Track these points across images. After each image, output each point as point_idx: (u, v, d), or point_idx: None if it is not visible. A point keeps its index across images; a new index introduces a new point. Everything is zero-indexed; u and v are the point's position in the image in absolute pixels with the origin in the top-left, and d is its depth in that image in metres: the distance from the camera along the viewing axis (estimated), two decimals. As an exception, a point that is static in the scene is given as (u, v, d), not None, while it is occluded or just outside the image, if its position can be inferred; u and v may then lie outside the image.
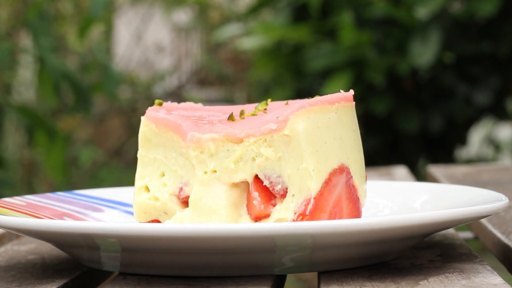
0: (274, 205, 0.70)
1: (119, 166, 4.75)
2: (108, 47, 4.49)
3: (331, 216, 0.68)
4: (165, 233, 0.58)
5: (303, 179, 0.68)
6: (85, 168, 4.26)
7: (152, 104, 0.79)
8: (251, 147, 0.70)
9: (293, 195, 0.68)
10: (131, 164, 4.93)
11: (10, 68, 2.79)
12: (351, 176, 0.70)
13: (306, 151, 0.68)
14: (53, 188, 3.60)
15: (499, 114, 3.01)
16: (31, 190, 3.68)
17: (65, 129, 3.79)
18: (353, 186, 0.70)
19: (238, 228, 0.58)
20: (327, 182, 0.68)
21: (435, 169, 1.38)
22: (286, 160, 0.69)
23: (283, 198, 0.69)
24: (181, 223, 0.70)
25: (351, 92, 0.73)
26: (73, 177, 4.07)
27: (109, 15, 4.09)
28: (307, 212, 0.67)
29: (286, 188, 0.69)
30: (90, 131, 4.69)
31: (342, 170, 0.69)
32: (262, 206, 0.69)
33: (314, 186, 0.68)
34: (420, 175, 2.71)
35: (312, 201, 0.68)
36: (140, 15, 5.00)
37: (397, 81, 2.86)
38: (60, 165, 2.22)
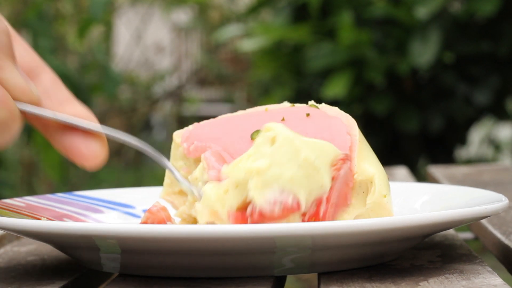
0: None
1: (119, 166, 4.75)
2: (108, 47, 4.48)
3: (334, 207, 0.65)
4: (165, 235, 0.58)
5: (310, 175, 0.63)
6: (85, 168, 4.26)
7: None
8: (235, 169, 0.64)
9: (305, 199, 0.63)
10: (131, 164, 4.93)
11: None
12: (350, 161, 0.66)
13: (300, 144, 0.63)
14: (53, 188, 3.61)
15: (499, 114, 3.01)
16: (31, 190, 3.68)
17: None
18: (351, 170, 0.66)
19: (238, 229, 0.58)
20: (335, 177, 0.65)
21: (435, 170, 1.38)
22: (279, 165, 0.63)
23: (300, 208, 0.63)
24: (180, 225, 0.70)
25: None
26: (73, 177, 4.07)
27: (109, 15, 4.09)
28: (321, 214, 0.64)
29: (297, 196, 0.63)
30: (90, 131, 4.68)
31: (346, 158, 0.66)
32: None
33: (326, 181, 0.64)
34: (420, 175, 2.71)
35: (324, 200, 0.64)
36: (140, 15, 5.00)
37: (397, 81, 2.86)
38: (58, 165, 2.22)
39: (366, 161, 0.68)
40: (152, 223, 0.71)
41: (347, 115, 0.72)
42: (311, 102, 0.74)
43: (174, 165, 0.75)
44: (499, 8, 2.70)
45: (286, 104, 0.74)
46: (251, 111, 0.75)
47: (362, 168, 0.68)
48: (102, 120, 4.62)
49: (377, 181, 0.67)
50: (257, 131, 0.69)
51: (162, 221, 0.71)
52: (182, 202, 0.75)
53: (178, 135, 0.75)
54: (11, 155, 3.50)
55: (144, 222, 0.71)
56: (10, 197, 0.92)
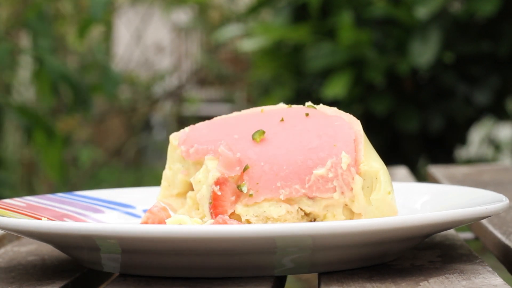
0: None
1: (119, 166, 4.75)
2: (108, 47, 4.48)
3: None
4: (165, 235, 0.58)
5: None
6: (85, 168, 4.26)
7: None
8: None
9: None
10: (131, 164, 4.93)
11: (10, 68, 2.79)
12: None
13: None
14: (53, 188, 3.61)
15: (499, 114, 3.01)
16: (31, 190, 3.68)
17: (65, 129, 3.79)
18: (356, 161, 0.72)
19: (239, 229, 0.58)
20: None
21: (435, 170, 1.38)
22: None
23: None
24: (180, 225, 0.70)
25: None
26: (73, 177, 4.07)
27: (109, 15, 4.09)
28: None
29: None
30: (90, 131, 4.69)
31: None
32: None
33: None
34: (420, 175, 2.71)
35: None
36: (140, 15, 5.00)
37: (397, 81, 2.86)
38: (58, 165, 2.22)
39: (371, 157, 0.69)
40: (153, 223, 0.71)
41: (348, 114, 0.72)
42: (308, 103, 0.74)
43: (171, 167, 0.75)
44: (499, 8, 2.70)
45: (282, 105, 0.74)
46: (247, 112, 0.74)
47: (367, 161, 0.68)
48: (102, 120, 4.63)
49: (382, 178, 0.68)
50: (258, 131, 0.69)
51: (162, 221, 0.71)
52: (180, 204, 0.75)
53: (175, 138, 0.75)
54: (11, 155, 3.50)
55: (145, 222, 0.71)
56: (10, 197, 0.92)
